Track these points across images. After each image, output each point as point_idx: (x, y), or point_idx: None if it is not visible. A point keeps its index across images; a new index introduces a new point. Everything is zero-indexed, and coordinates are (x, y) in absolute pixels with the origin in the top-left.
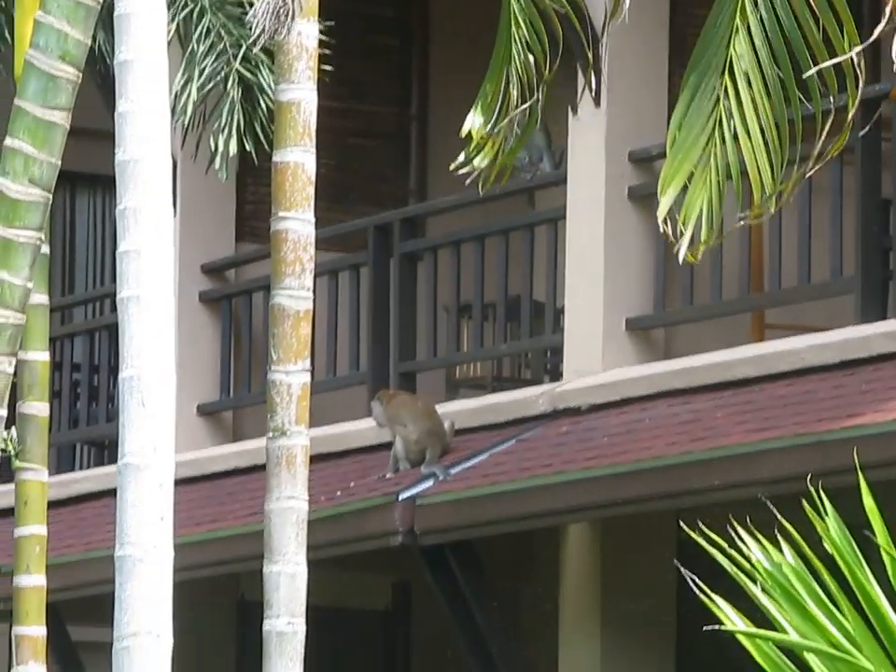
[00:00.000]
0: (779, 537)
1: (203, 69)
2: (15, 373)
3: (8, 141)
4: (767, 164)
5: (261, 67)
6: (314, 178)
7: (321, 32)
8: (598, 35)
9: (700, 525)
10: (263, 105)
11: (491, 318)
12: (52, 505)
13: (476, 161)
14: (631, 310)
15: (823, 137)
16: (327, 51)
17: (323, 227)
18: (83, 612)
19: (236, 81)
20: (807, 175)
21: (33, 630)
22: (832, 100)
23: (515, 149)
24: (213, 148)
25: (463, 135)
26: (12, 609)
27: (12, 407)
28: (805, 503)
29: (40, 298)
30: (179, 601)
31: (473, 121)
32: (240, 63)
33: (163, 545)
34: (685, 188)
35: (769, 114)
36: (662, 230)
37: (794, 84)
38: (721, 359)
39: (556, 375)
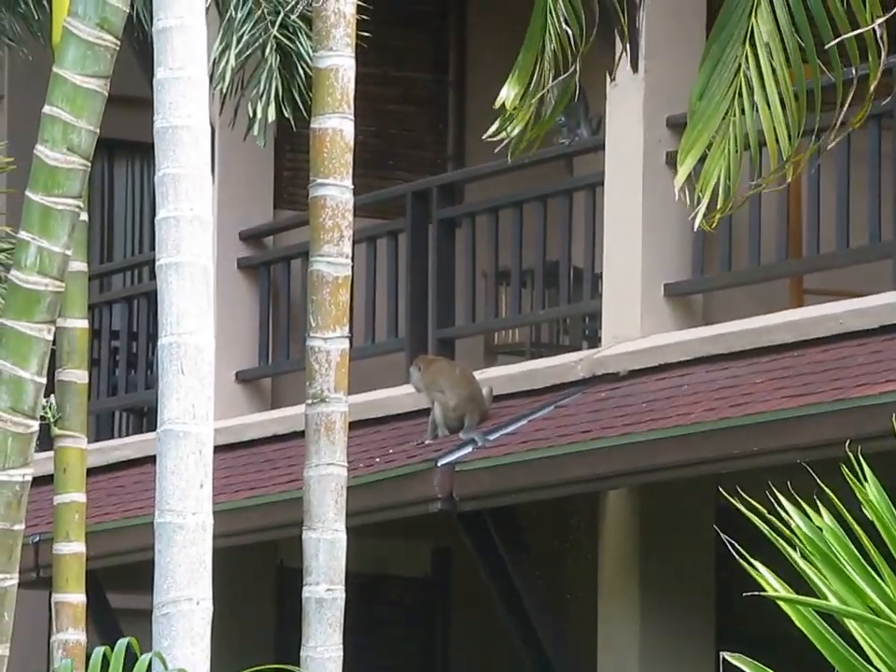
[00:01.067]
0: (819, 502)
1: (242, 36)
2: (54, 341)
3: (47, 109)
4: (786, 134)
5: (299, 34)
6: (352, 145)
7: None
8: (636, 2)
9: (739, 490)
10: (301, 72)
11: (529, 284)
12: (91, 472)
13: (508, 130)
14: (669, 276)
15: (846, 108)
16: (365, 18)
17: (361, 193)
18: (123, 580)
19: (274, 48)
20: (829, 147)
21: (72, 597)
22: (854, 72)
23: (549, 120)
24: (251, 115)
25: (497, 107)
26: (52, 576)
27: (51, 374)
28: (844, 468)
29: (78, 265)
30: (218, 568)
31: (508, 93)
32: (278, 30)
33: (203, 512)
34: (703, 157)
35: (789, 84)
36: (678, 198)
37: (815, 55)
38: (760, 325)
39: (595, 341)
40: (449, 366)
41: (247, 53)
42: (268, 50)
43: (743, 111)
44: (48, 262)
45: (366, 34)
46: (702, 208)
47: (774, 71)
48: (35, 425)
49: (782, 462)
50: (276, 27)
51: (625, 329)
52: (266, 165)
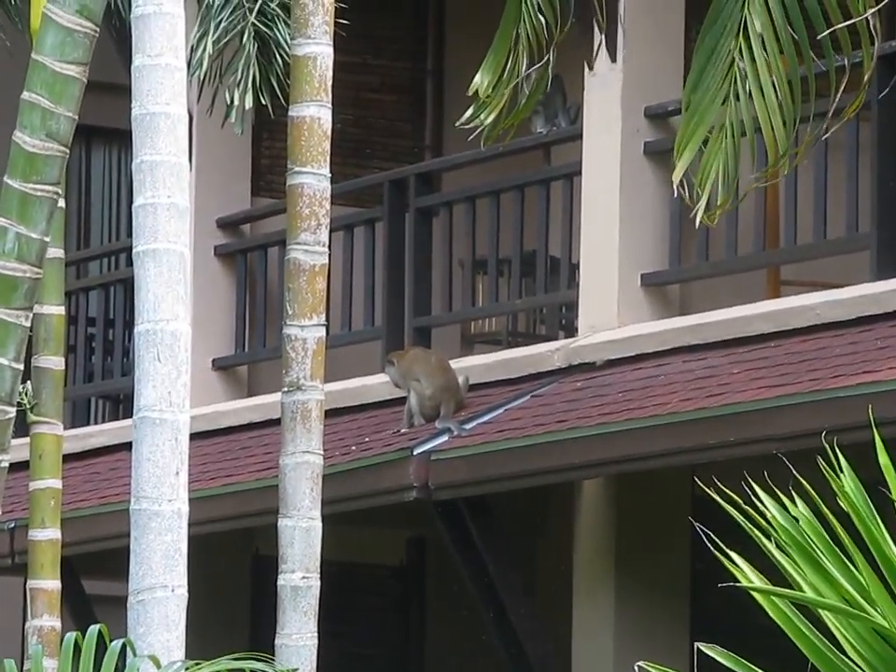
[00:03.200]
0: (795, 493)
1: (219, 23)
2: (30, 327)
3: (26, 95)
4: (781, 125)
5: (277, 21)
6: (329, 133)
7: None
8: None
9: (715, 480)
10: (279, 60)
11: (506, 273)
12: (67, 459)
13: (481, 118)
14: (646, 265)
15: (839, 96)
16: (343, 6)
17: (339, 182)
18: (98, 566)
19: (252, 35)
20: (824, 136)
21: (47, 583)
22: (845, 61)
23: (523, 110)
24: (228, 102)
25: (470, 94)
26: (27, 562)
27: (28, 361)
28: (819, 459)
29: (56, 251)
30: (194, 555)
31: (481, 80)
32: (256, 17)
33: (179, 499)
34: (701, 151)
35: (783, 75)
36: (677, 194)
37: (808, 45)
38: (737, 315)
39: (571, 331)
40: (424, 354)
41: (225, 40)
42: (245, 37)
43: (739, 101)
44: (26, 249)
45: (344, 21)
46: (702, 204)
47: (768, 62)
48: (12, 411)
49: (759, 452)
50: (254, 14)
51: (602, 319)
52: (244, 153)
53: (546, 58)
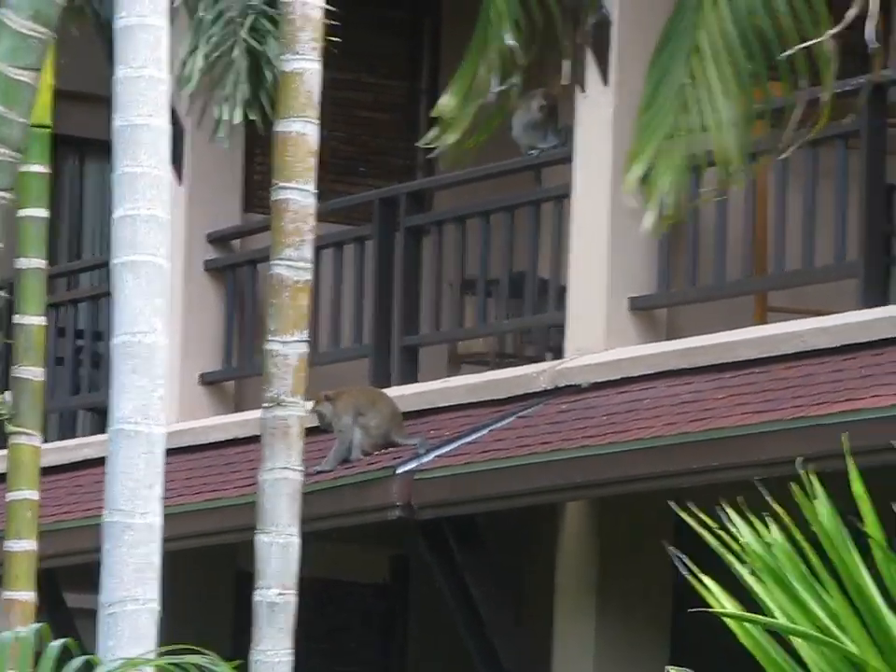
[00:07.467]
0: (772, 519)
1: (210, 38)
2: (11, 337)
3: None
4: (733, 143)
5: (268, 37)
6: (315, 149)
7: (329, 2)
8: (607, 15)
9: (693, 505)
10: (269, 76)
11: (495, 294)
12: (52, 471)
13: (443, 140)
14: (634, 289)
15: (793, 122)
16: (335, 23)
17: (330, 199)
18: (80, 579)
19: (243, 50)
20: (781, 157)
21: (22, 595)
22: (798, 83)
23: (483, 132)
24: (217, 118)
25: (434, 115)
26: (2, 573)
27: (7, 371)
28: (794, 486)
29: (37, 262)
30: (176, 571)
31: (447, 102)
32: (247, 33)
33: (152, 512)
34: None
35: (737, 93)
36: (628, 204)
37: (765, 69)
38: (724, 340)
39: (558, 353)
40: (361, 389)
41: (216, 55)
42: (235, 52)
43: (690, 116)
44: None
45: (337, 39)
46: (649, 217)
47: (722, 80)
48: None
49: (741, 478)
50: (245, 30)
51: (589, 342)
52: (235, 168)
53: (510, 81)
